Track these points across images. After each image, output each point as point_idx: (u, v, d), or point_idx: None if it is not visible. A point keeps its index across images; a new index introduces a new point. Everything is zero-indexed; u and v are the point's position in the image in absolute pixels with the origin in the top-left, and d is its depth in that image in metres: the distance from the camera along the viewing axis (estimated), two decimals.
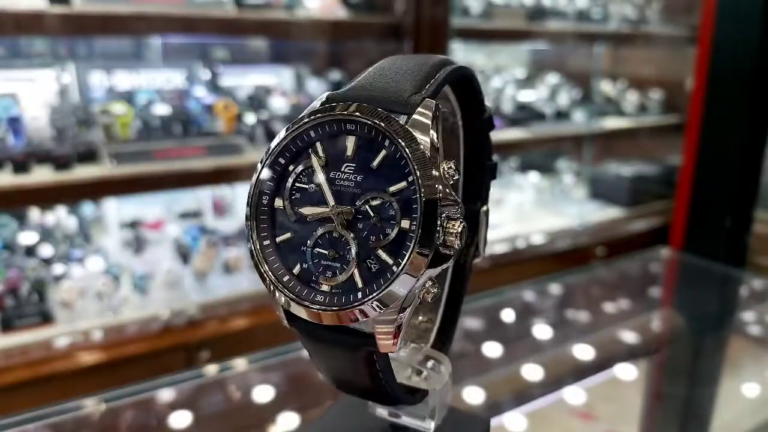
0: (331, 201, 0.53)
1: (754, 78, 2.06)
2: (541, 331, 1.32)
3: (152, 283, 2.09)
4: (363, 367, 0.56)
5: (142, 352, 1.89)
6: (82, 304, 1.94)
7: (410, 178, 0.50)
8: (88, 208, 2.41)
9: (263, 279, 0.55)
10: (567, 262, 2.84)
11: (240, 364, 1.09)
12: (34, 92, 2.21)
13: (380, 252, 0.51)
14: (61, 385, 1.76)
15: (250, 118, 2.33)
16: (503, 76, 3.49)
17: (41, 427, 0.88)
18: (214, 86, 2.57)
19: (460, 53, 3.39)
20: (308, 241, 0.54)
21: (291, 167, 0.55)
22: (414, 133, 0.50)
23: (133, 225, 2.38)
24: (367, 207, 0.52)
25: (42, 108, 2.15)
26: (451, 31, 2.42)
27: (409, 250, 0.50)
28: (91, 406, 0.93)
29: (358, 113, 0.52)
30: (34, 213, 2.29)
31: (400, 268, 0.50)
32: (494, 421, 1.01)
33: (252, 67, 2.74)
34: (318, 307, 0.52)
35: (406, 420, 0.66)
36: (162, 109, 2.22)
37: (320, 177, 0.53)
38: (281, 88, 2.70)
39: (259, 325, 2.05)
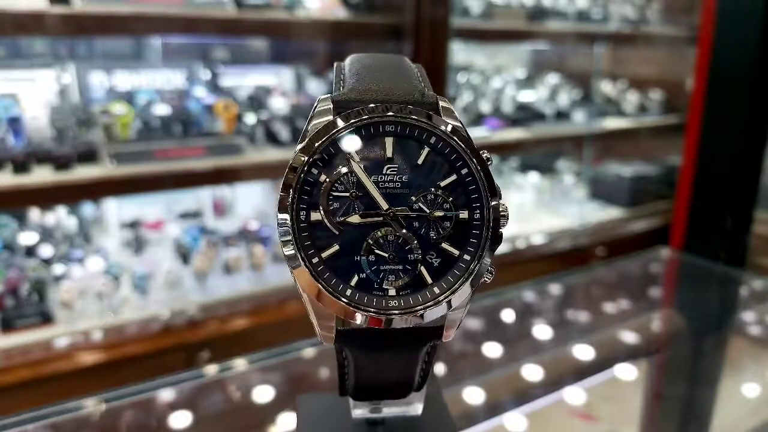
0: (384, 204, 0.52)
1: (754, 78, 2.06)
2: (541, 331, 1.32)
3: (152, 283, 2.09)
4: (416, 362, 0.56)
5: (142, 352, 1.89)
6: (82, 304, 1.94)
7: (464, 171, 0.52)
8: (88, 208, 2.41)
9: (323, 299, 0.51)
10: (567, 263, 2.84)
11: (240, 364, 1.09)
12: (34, 92, 2.21)
13: (444, 245, 0.52)
14: (61, 385, 1.76)
15: (250, 118, 2.33)
16: (503, 76, 3.49)
17: (41, 427, 0.88)
18: (214, 86, 2.57)
19: (460, 53, 3.39)
20: (360, 250, 0.52)
21: (323, 177, 0.52)
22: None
23: (133, 225, 2.38)
24: (420, 204, 0.52)
25: (42, 108, 2.15)
26: (451, 31, 2.41)
27: (482, 238, 0.52)
28: (91, 406, 0.93)
29: (398, 114, 0.52)
30: (34, 213, 2.29)
31: (476, 256, 0.52)
32: (494, 421, 1.01)
33: (252, 67, 2.74)
34: (397, 312, 0.51)
35: (388, 411, 0.65)
36: (162, 109, 2.22)
37: (366, 182, 0.52)
38: (281, 88, 2.71)
39: (259, 325, 2.05)
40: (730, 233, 2.16)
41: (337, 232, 0.51)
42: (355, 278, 0.52)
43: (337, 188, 0.52)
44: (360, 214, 0.52)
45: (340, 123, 0.51)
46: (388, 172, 0.52)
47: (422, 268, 0.52)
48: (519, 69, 3.75)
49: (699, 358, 1.30)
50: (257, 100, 2.51)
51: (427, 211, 0.52)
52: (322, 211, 0.51)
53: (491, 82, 3.36)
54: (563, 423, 1.04)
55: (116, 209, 2.38)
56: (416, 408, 0.65)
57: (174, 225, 2.48)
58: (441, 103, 0.54)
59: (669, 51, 3.72)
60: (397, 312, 0.51)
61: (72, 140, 2.02)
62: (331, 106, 0.53)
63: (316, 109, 0.53)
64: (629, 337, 1.35)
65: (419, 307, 0.51)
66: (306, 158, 0.51)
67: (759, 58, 2.04)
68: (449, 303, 0.52)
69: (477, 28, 2.79)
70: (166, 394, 1.01)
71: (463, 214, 0.52)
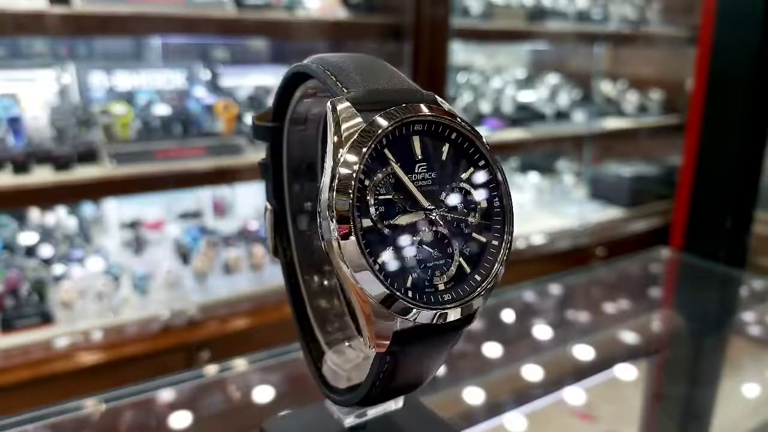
0: (425, 203, 0.53)
1: (754, 78, 2.06)
2: (541, 331, 1.32)
3: (152, 283, 2.09)
4: (448, 351, 0.58)
5: (142, 352, 1.89)
6: (82, 304, 1.94)
7: (481, 162, 0.55)
8: (88, 208, 2.41)
9: (388, 303, 0.50)
10: (567, 263, 2.84)
11: (240, 364, 1.09)
12: (34, 92, 2.21)
13: (473, 234, 0.55)
14: (61, 385, 1.76)
15: (250, 119, 2.33)
16: (503, 76, 3.49)
17: (41, 427, 0.88)
18: (214, 86, 2.57)
19: (461, 53, 3.39)
20: (409, 250, 0.52)
21: (366, 182, 0.51)
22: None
23: (133, 225, 2.38)
24: (450, 198, 0.54)
25: (42, 108, 2.15)
26: (451, 31, 2.42)
27: (505, 223, 0.55)
28: (91, 406, 0.93)
29: (426, 113, 0.53)
30: (34, 213, 2.29)
31: (502, 240, 0.55)
32: (494, 421, 1.01)
33: (252, 67, 2.74)
34: (453, 305, 0.52)
35: (372, 412, 0.66)
36: (162, 110, 2.22)
37: (407, 183, 0.52)
38: None
39: (259, 325, 2.05)
40: (730, 233, 2.16)
41: (387, 236, 0.51)
42: (410, 279, 0.52)
43: (379, 191, 0.51)
44: (406, 215, 0.52)
45: (383, 124, 0.51)
46: (419, 170, 0.53)
47: (461, 259, 0.54)
48: (519, 69, 3.75)
49: (699, 358, 1.30)
50: (257, 100, 2.51)
51: (456, 204, 0.54)
52: (372, 217, 0.51)
53: (491, 82, 3.36)
54: (563, 423, 1.04)
55: (116, 209, 2.38)
56: (397, 402, 0.66)
57: (174, 225, 2.48)
58: (439, 100, 0.55)
59: (669, 51, 3.73)
60: (453, 305, 0.52)
61: (72, 140, 2.02)
62: (354, 109, 0.52)
63: (341, 113, 0.52)
64: (629, 337, 1.35)
65: (468, 297, 0.53)
66: (358, 163, 0.50)
67: (759, 58, 2.04)
68: (490, 289, 0.54)
69: (477, 28, 2.79)
70: (166, 394, 1.01)
71: (484, 204, 0.55)
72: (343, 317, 0.73)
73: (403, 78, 0.57)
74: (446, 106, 0.55)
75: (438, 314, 0.51)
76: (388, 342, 0.52)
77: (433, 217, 0.53)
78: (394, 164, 0.52)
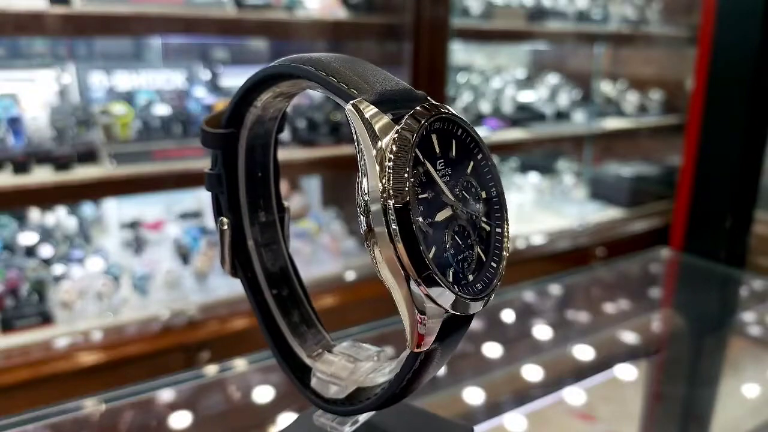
0: (452, 198, 0.54)
1: (754, 78, 2.06)
2: (541, 331, 1.32)
3: (152, 283, 2.09)
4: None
5: (142, 352, 1.89)
6: (81, 304, 1.94)
7: (479, 156, 0.57)
8: (88, 209, 2.41)
9: (443, 299, 0.51)
10: (567, 263, 2.84)
11: (240, 364, 1.09)
12: (34, 92, 2.22)
13: (482, 224, 0.57)
14: (61, 385, 1.76)
15: None
16: (503, 76, 3.49)
17: (41, 427, 0.88)
18: (214, 87, 2.57)
19: (460, 53, 3.39)
20: (445, 245, 0.53)
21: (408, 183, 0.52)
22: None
23: (133, 225, 2.38)
24: (463, 192, 0.55)
25: (42, 108, 2.15)
26: (451, 32, 2.42)
27: (504, 211, 0.58)
28: (91, 406, 0.93)
29: (442, 112, 0.54)
30: (34, 213, 2.29)
31: (504, 228, 0.57)
32: (494, 421, 1.01)
33: (252, 68, 2.73)
34: (485, 294, 0.54)
35: (363, 417, 0.66)
36: (162, 110, 2.22)
37: (438, 181, 0.54)
38: None
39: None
40: (730, 233, 2.16)
41: (430, 234, 0.52)
42: (450, 273, 0.53)
43: (416, 191, 0.52)
44: (442, 212, 0.53)
45: (418, 124, 0.52)
46: (439, 167, 0.54)
47: (477, 249, 0.55)
48: (519, 69, 3.75)
49: (699, 358, 1.30)
50: None
51: (468, 197, 0.56)
52: (418, 217, 0.51)
53: (491, 82, 3.36)
54: (563, 423, 1.04)
55: (116, 209, 2.38)
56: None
57: (174, 225, 2.48)
58: (430, 99, 0.57)
59: (669, 51, 3.73)
60: (485, 293, 0.54)
61: (72, 140, 2.02)
62: (378, 110, 0.52)
63: (370, 116, 0.51)
64: (629, 337, 1.35)
65: (493, 284, 0.55)
66: (407, 165, 0.50)
67: (759, 58, 2.04)
68: (503, 274, 0.56)
69: (477, 28, 2.79)
70: (166, 394, 1.01)
71: (483, 194, 0.57)
72: (313, 326, 0.73)
73: (394, 77, 0.58)
74: (436, 103, 0.56)
75: (477, 304, 0.53)
76: (433, 338, 0.53)
77: (459, 211, 0.54)
78: (427, 163, 0.53)
